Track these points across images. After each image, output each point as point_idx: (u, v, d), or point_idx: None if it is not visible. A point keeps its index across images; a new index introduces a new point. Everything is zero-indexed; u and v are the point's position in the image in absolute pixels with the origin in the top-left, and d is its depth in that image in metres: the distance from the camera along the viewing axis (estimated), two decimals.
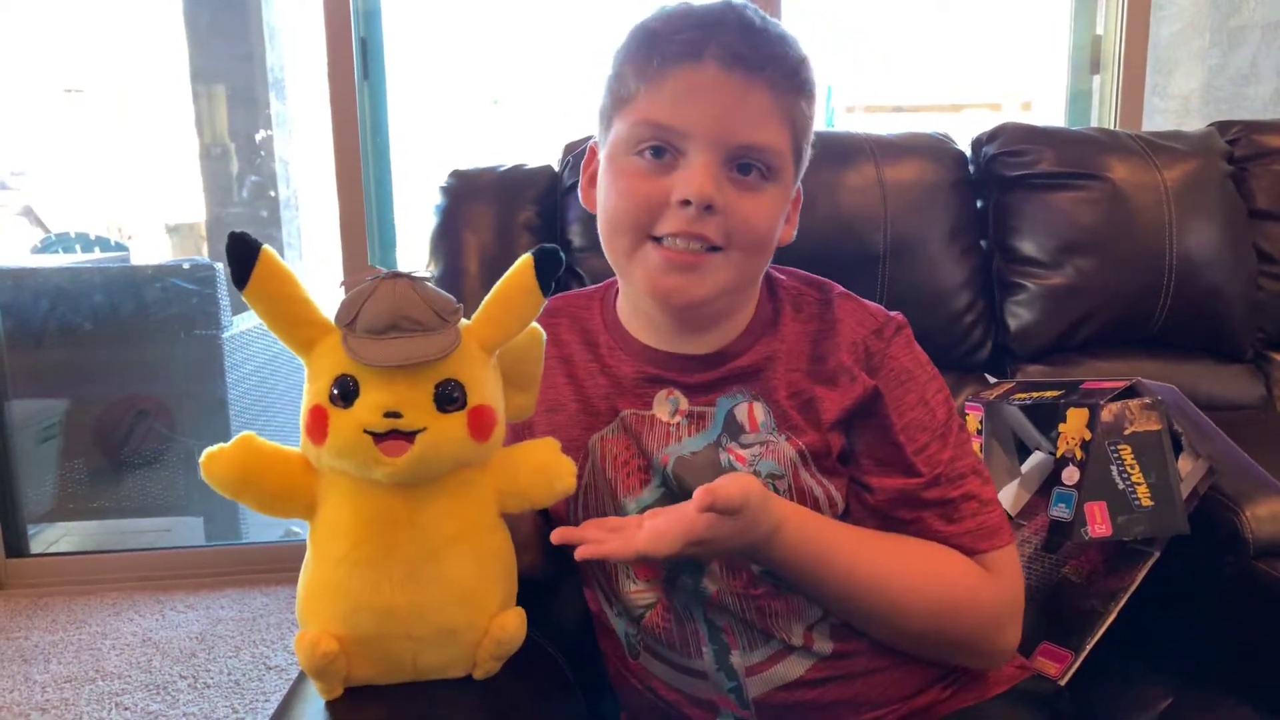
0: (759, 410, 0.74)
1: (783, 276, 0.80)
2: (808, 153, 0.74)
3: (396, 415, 0.57)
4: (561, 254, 0.63)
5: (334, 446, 0.58)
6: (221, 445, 0.61)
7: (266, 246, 0.58)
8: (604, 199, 0.73)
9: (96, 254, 2.73)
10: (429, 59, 2.47)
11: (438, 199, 1.19)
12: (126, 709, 1.64)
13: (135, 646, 1.86)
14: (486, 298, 0.64)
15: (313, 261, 2.85)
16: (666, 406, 0.76)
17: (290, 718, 0.64)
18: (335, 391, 0.58)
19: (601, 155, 0.74)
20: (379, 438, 0.57)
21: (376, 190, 2.11)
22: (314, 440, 0.59)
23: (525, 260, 0.63)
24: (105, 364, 2.38)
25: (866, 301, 0.78)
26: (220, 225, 2.73)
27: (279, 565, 2.19)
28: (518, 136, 2.62)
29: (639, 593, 0.78)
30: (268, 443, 0.62)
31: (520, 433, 0.80)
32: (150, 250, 2.87)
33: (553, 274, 0.63)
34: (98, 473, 2.40)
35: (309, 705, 0.63)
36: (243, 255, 0.57)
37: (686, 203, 0.66)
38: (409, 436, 0.57)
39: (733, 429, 0.74)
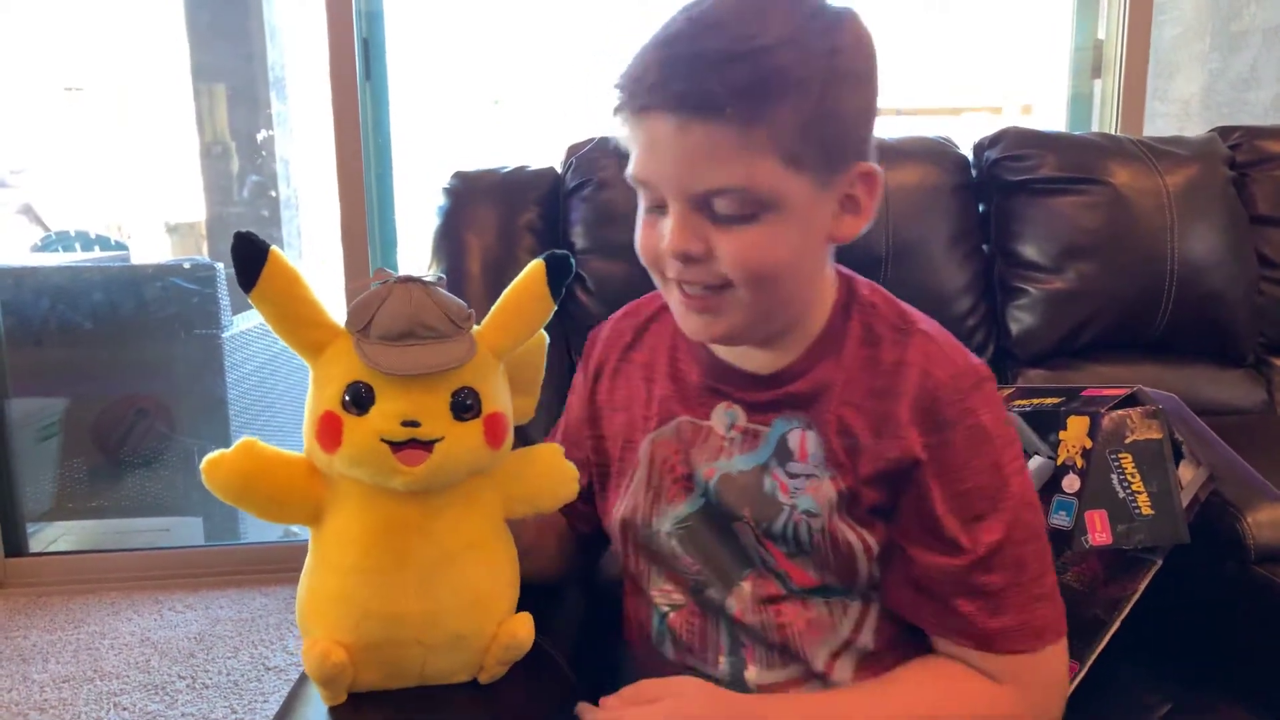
0: (811, 441, 0.71)
1: (865, 292, 0.75)
2: (835, 142, 0.64)
3: (415, 424, 0.57)
4: (572, 260, 0.63)
5: (349, 455, 0.58)
6: (223, 451, 0.60)
7: (274, 247, 0.58)
8: None
9: (96, 253, 2.72)
10: (431, 59, 2.47)
11: (440, 200, 1.19)
12: (125, 709, 1.64)
13: (134, 646, 1.86)
14: (497, 304, 0.64)
15: (313, 261, 2.85)
16: (724, 419, 0.75)
17: (291, 718, 0.63)
18: (348, 398, 0.57)
19: None
20: (396, 446, 0.57)
21: (378, 190, 2.11)
22: (325, 448, 0.58)
23: (536, 266, 0.63)
24: (105, 363, 2.38)
25: (951, 345, 0.71)
26: (221, 224, 2.73)
27: (278, 566, 2.19)
28: (520, 138, 2.61)
29: (668, 592, 0.78)
30: (270, 448, 0.62)
31: (582, 427, 0.83)
32: (150, 249, 2.86)
33: (564, 280, 0.63)
34: (97, 472, 2.40)
35: (311, 707, 0.63)
36: (250, 256, 0.57)
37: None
38: (427, 446, 0.57)
39: (783, 455, 0.72)
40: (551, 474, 0.69)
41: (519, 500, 0.67)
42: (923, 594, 0.70)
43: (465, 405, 0.59)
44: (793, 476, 0.71)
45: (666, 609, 0.78)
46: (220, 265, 2.37)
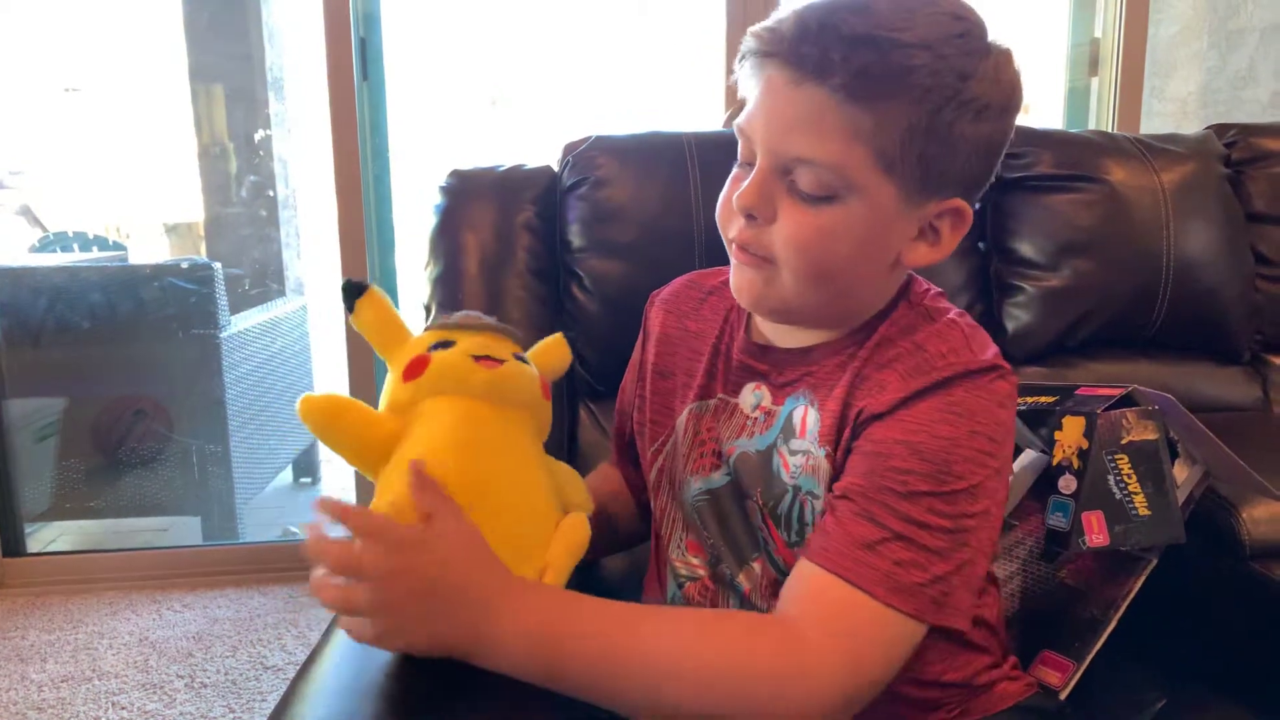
0: (810, 417, 0.70)
1: (919, 288, 0.74)
2: (935, 164, 0.63)
3: (487, 356, 0.69)
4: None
5: (436, 370, 0.68)
6: (315, 392, 0.68)
7: (375, 286, 0.71)
8: None
9: (94, 253, 2.73)
10: (428, 60, 2.47)
11: (437, 199, 1.19)
12: (123, 708, 1.64)
13: (132, 646, 1.86)
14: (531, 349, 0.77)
15: (310, 261, 2.85)
16: (751, 399, 0.76)
17: (288, 717, 0.63)
18: (436, 344, 0.69)
19: None
20: (477, 359, 0.68)
21: (375, 190, 2.12)
22: (410, 378, 0.68)
23: (558, 338, 0.80)
24: (103, 363, 2.38)
25: (976, 338, 0.69)
26: (218, 225, 2.73)
27: (276, 565, 2.19)
28: (516, 137, 2.62)
29: (690, 564, 0.79)
30: (354, 400, 0.69)
31: (632, 385, 0.87)
32: (148, 249, 2.87)
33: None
34: (95, 472, 2.40)
35: (307, 705, 0.63)
36: (354, 291, 0.71)
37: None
38: (498, 361, 0.69)
39: (787, 432, 0.72)
40: (571, 483, 0.76)
41: None
42: (819, 520, 0.66)
43: (523, 359, 0.73)
44: (793, 454, 0.71)
45: (685, 577, 0.79)
46: (218, 265, 2.37)
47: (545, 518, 0.69)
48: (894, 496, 0.62)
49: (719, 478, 0.77)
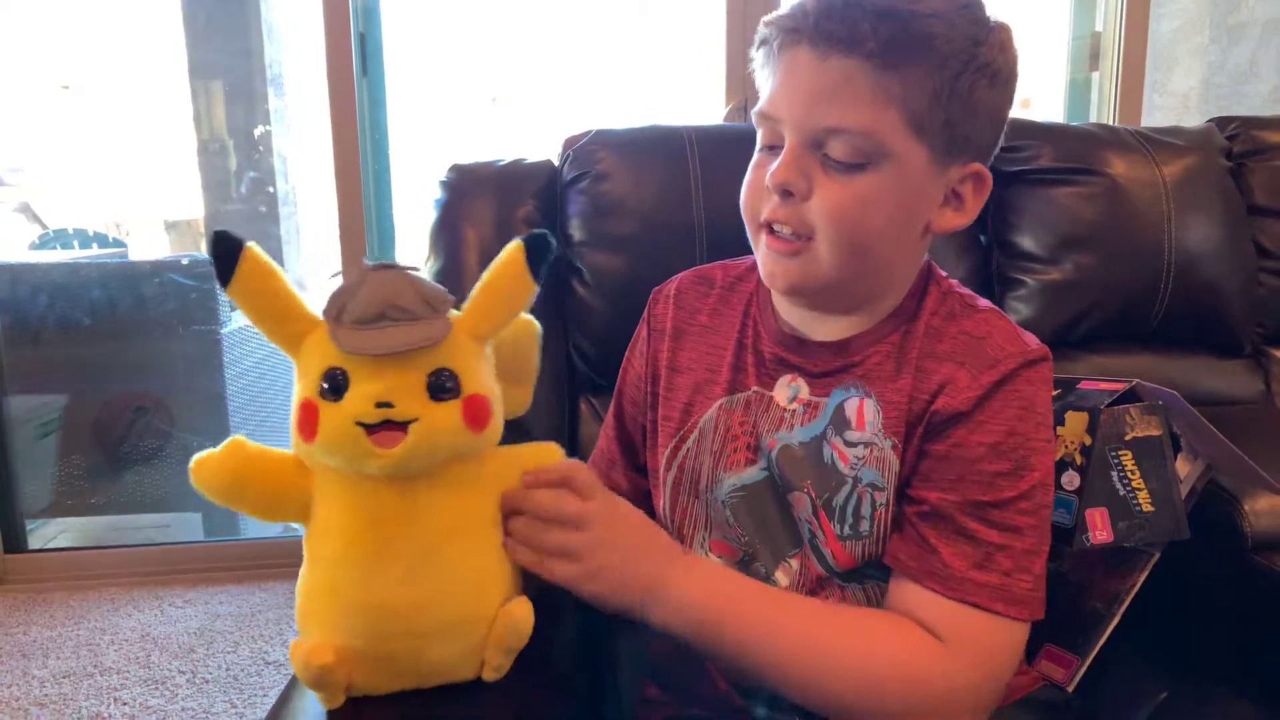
0: (869, 408, 0.71)
1: (942, 274, 0.76)
2: (959, 128, 0.66)
3: (388, 405, 0.56)
4: (553, 239, 0.63)
5: (325, 441, 0.57)
6: (210, 451, 0.60)
7: (250, 243, 0.57)
8: None
9: (94, 250, 2.72)
10: (428, 55, 2.47)
11: (437, 193, 1.19)
12: (125, 704, 1.64)
13: (134, 642, 1.86)
14: (476, 287, 0.63)
15: (311, 257, 2.85)
16: (787, 392, 0.75)
17: (286, 715, 0.63)
18: (325, 385, 0.57)
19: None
20: (371, 429, 0.56)
21: (375, 186, 2.11)
22: (305, 437, 0.58)
23: (515, 247, 0.62)
24: (104, 360, 2.38)
25: (1013, 325, 0.72)
26: (219, 221, 2.72)
27: (277, 561, 2.19)
28: (517, 133, 2.61)
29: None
30: (257, 446, 0.62)
31: (640, 383, 0.84)
32: (148, 246, 2.86)
33: (544, 260, 0.62)
34: (96, 468, 2.40)
35: (307, 700, 0.63)
36: (225, 252, 0.57)
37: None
38: (402, 427, 0.56)
39: (839, 423, 0.72)
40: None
41: None
42: (910, 532, 0.68)
43: (443, 386, 0.58)
44: (850, 445, 0.71)
45: None
46: None
47: (478, 598, 0.62)
48: (987, 508, 0.66)
49: (755, 472, 0.76)
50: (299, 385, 0.60)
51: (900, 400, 0.69)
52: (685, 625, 0.67)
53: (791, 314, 0.76)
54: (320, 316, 0.60)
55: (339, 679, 0.59)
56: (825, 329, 0.74)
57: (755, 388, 0.77)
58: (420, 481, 0.60)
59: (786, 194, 0.67)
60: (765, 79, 0.69)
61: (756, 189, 0.70)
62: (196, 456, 0.60)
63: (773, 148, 0.69)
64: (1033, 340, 0.70)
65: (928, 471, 0.68)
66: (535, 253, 0.61)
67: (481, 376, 0.61)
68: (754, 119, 0.71)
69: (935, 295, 0.73)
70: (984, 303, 0.73)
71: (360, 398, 0.56)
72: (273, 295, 0.59)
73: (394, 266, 0.59)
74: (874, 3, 0.63)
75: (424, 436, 0.56)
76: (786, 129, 0.66)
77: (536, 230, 0.62)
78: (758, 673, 0.67)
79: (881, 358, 0.72)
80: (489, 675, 0.63)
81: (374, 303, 0.57)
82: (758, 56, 0.70)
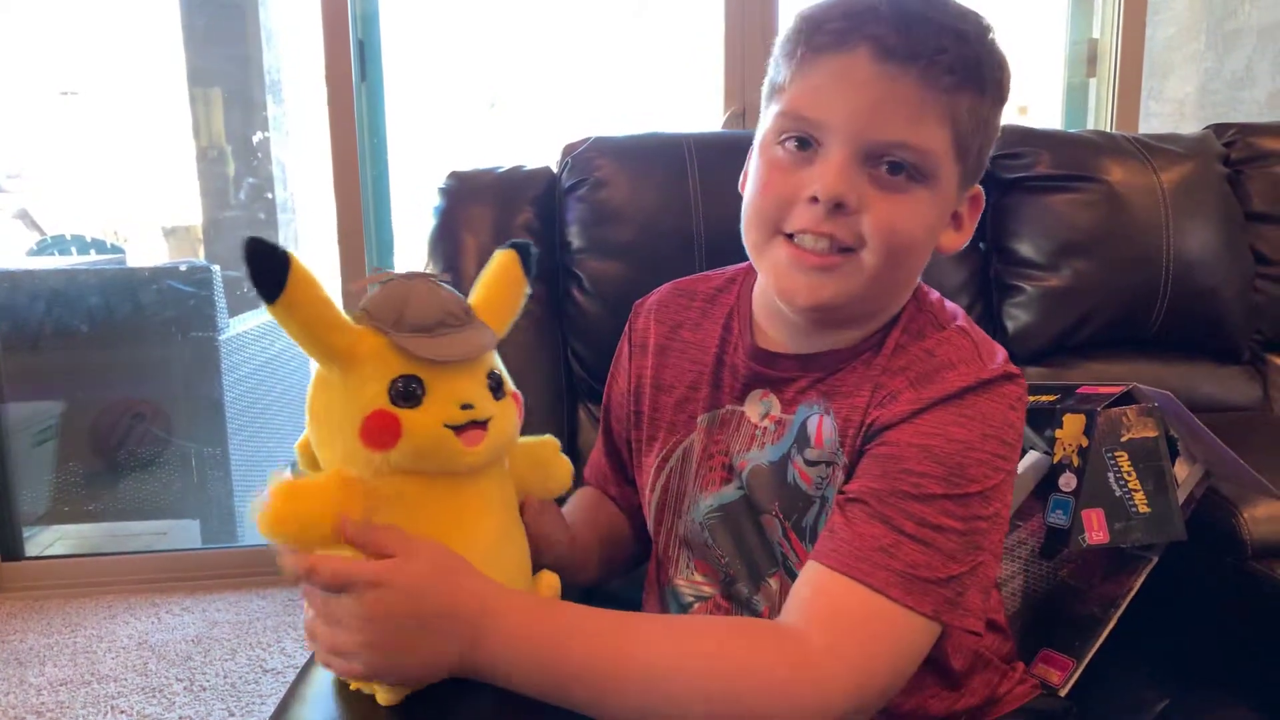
0: (827, 425, 0.69)
1: (929, 294, 0.74)
2: (982, 155, 0.68)
3: (470, 407, 0.58)
4: (533, 246, 0.67)
5: (414, 446, 0.57)
6: (264, 500, 0.57)
7: (292, 252, 0.54)
8: (747, 189, 0.70)
9: (93, 256, 2.73)
10: (426, 61, 2.47)
11: (436, 200, 1.19)
12: (122, 712, 1.64)
13: (131, 650, 1.86)
14: (482, 294, 0.66)
15: (310, 264, 2.84)
16: (759, 408, 0.73)
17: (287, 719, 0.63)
18: (400, 392, 0.57)
19: (755, 143, 0.70)
20: (458, 431, 0.58)
21: (374, 193, 2.11)
22: (379, 446, 0.56)
23: (508, 255, 0.66)
24: (101, 366, 2.38)
25: (985, 345, 0.69)
26: (217, 228, 2.72)
27: (275, 568, 2.15)
28: (515, 140, 2.62)
29: (696, 584, 0.77)
30: (301, 480, 0.59)
31: (624, 400, 0.83)
32: (146, 253, 2.86)
33: (531, 266, 0.67)
34: (94, 475, 2.40)
35: (306, 707, 0.63)
36: (272, 266, 0.53)
37: (816, 199, 0.63)
38: (483, 425, 0.59)
39: (801, 441, 0.70)
40: (544, 466, 0.70)
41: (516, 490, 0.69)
42: (830, 520, 0.64)
43: (499, 386, 0.62)
44: (811, 464, 0.70)
45: (691, 599, 0.77)
46: (216, 268, 2.37)
47: (528, 578, 0.67)
48: (908, 499, 0.61)
49: (731, 491, 0.74)
50: (355, 396, 0.57)
51: (855, 418, 0.68)
52: (521, 666, 0.58)
53: (781, 329, 0.73)
54: (357, 325, 0.58)
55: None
56: (801, 343, 0.72)
57: (729, 405, 0.75)
58: (482, 475, 0.62)
59: (838, 206, 0.63)
60: (796, 73, 0.65)
61: (781, 194, 0.65)
62: (256, 510, 0.57)
63: (800, 145, 0.65)
64: (997, 359, 0.67)
65: (860, 470, 0.66)
66: (527, 259, 0.66)
67: (507, 375, 0.65)
68: (778, 116, 0.66)
69: (909, 313, 0.71)
70: (956, 321, 0.71)
71: (444, 401, 0.58)
72: (323, 305, 0.56)
73: (423, 275, 0.61)
74: (952, 24, 0.62)
75: (500, 432, 0.61)
76: (835, 136, 0.63)
77: (516, 240, 0.67)
78: (603, 702, 0.58)
79: (846, 374, 0.70)
80: None
81: (431, 309, 0.58)
82: (786, 46, 0.66)
